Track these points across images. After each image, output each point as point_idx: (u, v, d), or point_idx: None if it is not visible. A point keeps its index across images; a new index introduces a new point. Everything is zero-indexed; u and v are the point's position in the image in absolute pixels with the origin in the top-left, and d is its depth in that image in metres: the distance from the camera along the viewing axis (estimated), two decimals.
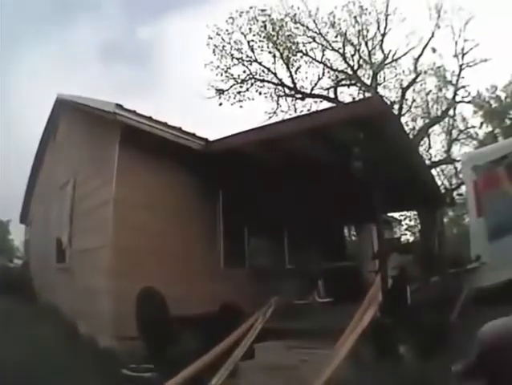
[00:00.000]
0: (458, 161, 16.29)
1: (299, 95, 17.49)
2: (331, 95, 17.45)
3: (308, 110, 16.04)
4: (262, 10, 16.92)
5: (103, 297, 6.36)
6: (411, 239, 17.24)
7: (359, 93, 17.15)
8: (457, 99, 17.76)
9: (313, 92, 17.39)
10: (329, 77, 17.64)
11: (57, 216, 9.51)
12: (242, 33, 16.98)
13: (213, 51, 16.98)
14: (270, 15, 16.96)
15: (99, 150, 7.51)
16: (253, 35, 17.01)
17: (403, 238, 16.15)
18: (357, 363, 4.61)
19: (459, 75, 17.56)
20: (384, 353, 4.83)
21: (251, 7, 16.89)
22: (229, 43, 16.97)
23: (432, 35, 17.28)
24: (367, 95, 15.80)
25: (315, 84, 17.38)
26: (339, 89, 17.75)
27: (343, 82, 17.71)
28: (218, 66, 17.03)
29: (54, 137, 11.71)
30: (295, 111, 17.24)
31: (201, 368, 4.93)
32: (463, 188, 14.94)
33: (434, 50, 17.43)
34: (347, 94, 17.80)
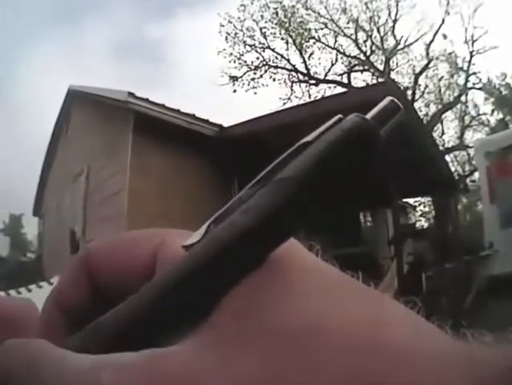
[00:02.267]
0: (471, 147, 16.16)
1: (313, 81, 17.34)
2: (345, 80, 17.31)
3: (322, 95, 15.92)
4: None
5: None
6: (425, 225, 17.10)
7: (372, 79, 17.05)
8: (469, 85, 17.65)
9: (326, 78, 17.22)
10: (342, 63, 17.49)
11: (70, 208, 9.53)
12: (254, 20, 16.86)
13: (226, 39, 16.87)
14: (281, 2, 16.77)
15: (112, 139, 7.49)
16: (266, 22, 16.88)
17: (417, 224, 16.01)
18: None
19: (470, 62, 17.42)
20: None
21: None
22: (242, 30, 16.86)
23: (443, 22, 17.14)
24: (381, 80, 15.67)
25: (329, 70, 17.20)
26: (353, 75, 17.61)
27: (357, 67, 17.58)
28: (231, 54, 16.90)
29: (67, 129, 11.72)
30: (309, 96, 17.02)
31: None
32: (476, 175, 14.82)
33: (445, 37, 17.33)
34: (361, 79, 17.63)
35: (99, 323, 0.21)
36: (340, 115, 0.22)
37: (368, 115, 0.21)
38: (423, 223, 17.93)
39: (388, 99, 0.23)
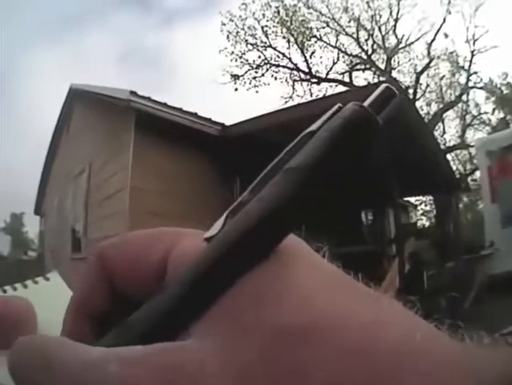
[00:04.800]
0: (472, 146, 16.18)
1: (315, 80, 17.35)
2: (346, 79, 17.33)
3: (324, 94, 15.93)
4: None
5: None
6: (427, 224, 17.12)
7: (373, 77, 17.05)
8: (470, 84, 17.67)
9: (328, 77, 17.27)
10: (344, 61, 17.54)
11: (72, 206, 9.53)
12: (256, 18, 16.91)
13: (227, 37, 16.96)
14: (282, 1, 16.81)
15: (114, 138, 7.48)
16: (267, 21, 16.92)
17: (419, 223, 16.03)
18: None
19: (471, 61, 17.49)
20: None
21: None
22: (243, 29, 16.91)
23: (444, 21, 17.17)
24: (382, 79, 15.66)
25: (330, 69, 17.28)
26: (354, 73, 17.67)
27: (358, 66, 17.56)
28: (233, 52, 16.97)
29: (68, 127, 11.72)
30: (311, 95, 17.05)
31: None
32: (477, 174, 14.84)
33: (446, 36, 17.37)
34: (362, 78, 17.73)
35: (130, 322, 0.21)
36: (340, 104, 0.23)
37: (366, 103, 0.22)
38: (424, 222, 17.98)
39: (384, 86, 0.23)
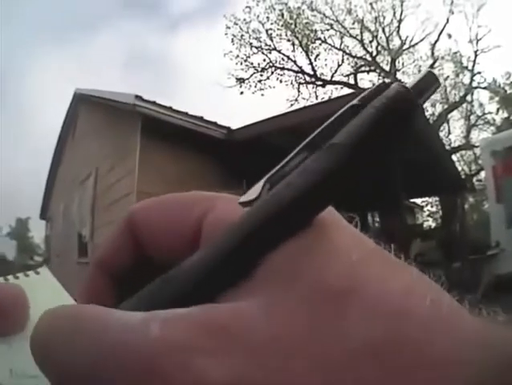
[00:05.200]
0: (477, 147, 16.18)
1: (320, 82, 17.31)
2: (351, 81, 17.30)
3: (329, 97, 15.93)
4: None
5: None
6: (433, 225, 17.12)
7: (378, 79, 16.97)
8: (474, 84, 17.63)
9: (333, 79, 17.21)
10: (348, 64, 17.49)
11: (78, 211, 9.56)
12: (260, 22, 16.89)
13: (232, 41, 16.93)
14: (286, 3, 16.77)
15: (120, 142, 7.50)
16: (271, 24, 16.89)
17: (425, 224, 16.03)
18: None
19: (474, 61, 17.48)
20: None
21: None
22: (248, 32, 16.90)
23: (447, 21, 17.17)
24: (387, 80, 15.67)
25: (335, 71, 17.19)
26: (359, 75, 17.60)
27: (363, 68, 17.54)
28: (238, 56, 16.95)
29: (74, 132, 11.76)
30: (316, 98, 17.04)
31: None
32: (482, 174, 14.86)
33: (450, 36, 17.37)
34: (367, 80, 17.67)
35: (166, 279, 0.21)
36: (386, 80, 0.23)
37: (409, 85, 0.22)
38: (430, 223, 17.97)
39: (427, 70, 0.23)
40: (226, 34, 16.91)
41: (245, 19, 16.88)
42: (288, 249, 0.20)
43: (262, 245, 0.20)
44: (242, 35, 16.90)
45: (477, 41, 17.19)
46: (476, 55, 17.31)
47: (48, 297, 0.37)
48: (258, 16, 16.84)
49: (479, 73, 17.51)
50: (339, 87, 17.37)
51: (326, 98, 15.77)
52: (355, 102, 0.22)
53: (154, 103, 6.73)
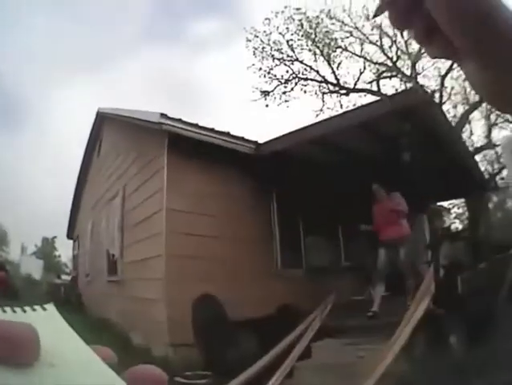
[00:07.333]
0: (498, 145, 16.02)
1: (343, 91, 17.22)
2: (374, 88, 17.15)
3: (354, 104, 15.83)
4: (297, 9, 16.64)
5: (158, 305, 6.36)
6: (460, 227, 16.98)
7: (400, 84, 16.88)
8: None
9: (356, 87, 17.10)
10: (370, 70, 17.34)
11: (106, 229, 9.62)
12: (280, 33, 16.81)
13: (254, 53, 16.91)
14: (305, 13, 16.69)
15: (147, 161, 7.52)
16: (291, 34, 16.83)
17: (452, 226, 15.89)
18: (410, 355, 4.57)
19: None
20: (436, 343, 4.89)
21: (286, 7, 16.64)
22: (269, 44, 16.85)
23: None
24: (409, 85, 15.55)
25: (358, 78, 17.06)
26: (382, 81, 17.41)
27: (385, 74, 17.38)
28: (260, 68, 16.92)
29: (99, 151, 11.87)
30: (341, 106, 16.91)
31: (258, 371, 4.85)
32: (504, 172, 14.72)
33: None
34: (390, 86, 17.56)
35: None
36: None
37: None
38: (457, 225, 17.81)
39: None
40: (247, 46, 16.90)
41: (265, 31, 16.87)
42: None
43: None
44: (264, 47, 16.89)
45: None
46: None
47: (55, 333, 0.41)
48: (278, 27, 16.81)
49: None
50: (362, 94, 17.26)
51: (350, 106, 15.67)
52: None
53: (180, 120, 6.73)
